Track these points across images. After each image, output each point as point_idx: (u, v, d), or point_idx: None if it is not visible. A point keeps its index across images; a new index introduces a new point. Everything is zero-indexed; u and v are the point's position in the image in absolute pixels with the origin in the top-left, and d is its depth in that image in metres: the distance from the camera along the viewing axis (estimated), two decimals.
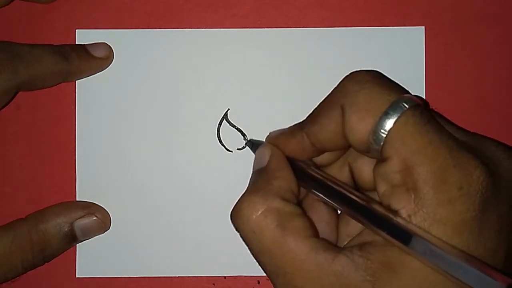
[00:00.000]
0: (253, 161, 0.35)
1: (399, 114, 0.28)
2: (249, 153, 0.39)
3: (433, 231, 0.27)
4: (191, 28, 0.41)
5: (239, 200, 0.31)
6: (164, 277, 0.40)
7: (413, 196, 0.27)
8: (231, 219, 0.31)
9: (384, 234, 0.27)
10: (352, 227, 0.33)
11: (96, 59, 0.40)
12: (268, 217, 0.30)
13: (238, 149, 0.40)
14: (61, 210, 0.39)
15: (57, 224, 0.38)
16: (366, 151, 0.30)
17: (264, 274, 0.37)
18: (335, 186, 0.31)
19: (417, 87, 0.40)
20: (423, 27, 0.40)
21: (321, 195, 0.32)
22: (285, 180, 0.32)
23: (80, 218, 0.39)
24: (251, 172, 0.34)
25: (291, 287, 0.29)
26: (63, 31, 0.40)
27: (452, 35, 0.40)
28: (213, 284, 0.40)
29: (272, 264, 0.30)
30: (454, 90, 0.40)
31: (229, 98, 0.40)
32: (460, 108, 0.40)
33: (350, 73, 0.31)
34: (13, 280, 0.38)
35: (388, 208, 0.28)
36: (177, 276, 0.40)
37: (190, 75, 0.40)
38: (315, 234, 0.30)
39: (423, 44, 0.40)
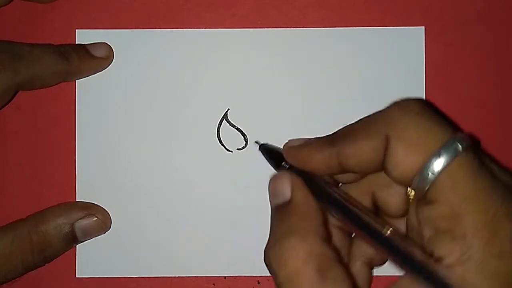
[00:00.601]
0: (268, 187, 0.32)
1: (452, 156, 0.26)
2: (249, 153, 0.39)
3: (481, 285, 0.25)
4: (191, 28, 0.41)
5: (273, 241, 0.29)
6: (164, 277, 0.40)
7: (460, 245, 0.26)
8: (265, 257, 0.29)
9: (423, 283, 0.26)
10: (366, 248, 0.32)
11: (96, 59, 0.40)
12: (309, 264, 0.27)
13: (238, 149, 0.40)
14: (61, 211, 0.39)
15: (58, 225, 0.38)
16: (407, 187, 0.28)
17: (264, 274, 0.37)
18: (366, 218, 0.29)
19: (417, 87, 0.40)
20: (423, 27, 0.40)
21: (351, 225, 0.29)
22: (316, 215, 0.29)
23: (80, 218, 0.39)
24: (270, 205, 0.31)
25: None
26: (63, 31, 0.40)
27: (452, 35, 0.40)
28: (213, 284, 0.40)
29: None
30: (454, 90, 0.40)
31: (229, 98, 0.40)
32: (460, 108, 0.40)
33: (399, 101, 0.29)
34: (13, 280, 0.38)
35: (431, 254, 0.26)
36: (177, 276, 0.40)
37: (190, 75, 0.40)
38: (353, 284, 0.28)
39: (423, 44, 0.40)
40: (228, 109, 0.40)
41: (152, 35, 0.40)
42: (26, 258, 0.37)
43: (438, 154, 0.26)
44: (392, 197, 0.31)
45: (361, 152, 0.29)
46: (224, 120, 0.40)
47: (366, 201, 0.32)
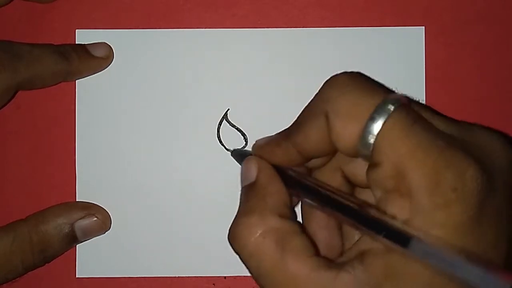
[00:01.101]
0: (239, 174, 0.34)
1: (385, 118, 0.27)
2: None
3: (432, 235, 0.26)
4: (191, 28, 0.41)
5: (234, 222, 0.30)
6: (164, 277, 0.40)
7: (408, 201, 0.26)
8: (229, 241, 0.31)
9: (382, 238, 0.27)
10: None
11: (96, 59, 0.40)
12: (267, 238, 0.29)
13: (237, 148, 0.40)
14: (61, 211, 0.39)
15: (58, 225, 0.38)
16: (355, 156, 0.29)
17: None
18: (327, 193, 0.30)
19: (417, 87, 0.40)
20: (423, 27, 0.40)
21: (314, 203, 0.31)
22: (278, 194, 0.31)
23: (80, 218, 0.39)
24: (240, 188, 0.33)
25: None
26: (63, 31, 0.40)
27: (452, 35, 0.40)
28: (213, 284, 0.40)
29: (272, 287, 0.29)
30: (454, 90, 0.40)
31: (229, 98, 0.40)
32: (460, 108, 0.40)
33: (330, 78, 0.30)
34: (13, 280, 0.38)
35: (385, 213, 0.27)
36: (177, 276, 0.40)
37: (190, 75, 0.40)
38: (316, 252, 0.29)
39: (423, 44, 0.40)
40: (228, 109, 0.40)
41: (152, 35, 0.40)
42: (26, 258, 0.37)
43: (372, 119, 0.27)
44: (357, 169, 0.32)
45: (310, 136, 0.30)
46: (224, 120, 0.40)
47: (338, 179, 0.33)
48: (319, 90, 0.30)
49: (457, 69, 0.40)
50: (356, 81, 0.29)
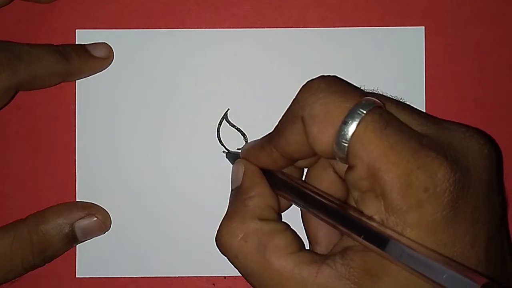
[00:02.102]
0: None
1: (357, 122, 0.27)
2: None
3: (406, 235, 0.26)
4: (191, 28, 0.41)
5: (219, 226, 0.32)
6: (164, 277, 0.40)
7: (382, 202, 0.27)
8: (216, 245, 0.32)
9: (360, 239, 0.27)
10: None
11: (96, 59, 0.40)
12: (248, 241, 0.30)
13: (238, 149, 0.40)
14: (61, 211, 0.39)
15: (58, 225, 0.38)
16: (334, 159, 0.29)
17: None
18: (311, 194, 0.31)
19: (417, 87, 0.40)
20: (423, 27, 0.40)
21: (300, 204, 0.32)
22: (260, 197, 0.32)
23: (80, 219, 0.39)
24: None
25: None
26: (63, 31, 0.40)
27: (452, 35, 0.40)
28: (213, 284, 0.40)
29: (261, 285, 0.30)
30: (454, 90, 0.40)
31: (229, 98, 0.40)
32: (460, 108, 0.40)
33: (306, 82, 0.30)
34: (13, 280, 0.38)
35: (362, 213, 0.28)
36: (177, 276, 0.40)
37: (190, 75, 0.40)
38: (298, 247, 0.30)
39: (423, 44, 0.40)
40: (228, 109, 0.40)
41: (152, 35, 0.40)
42: (26, 258, 0.37)
43: (344, 123, 0.28)
44: (345, 166, 0.32)
45: (290, 139, 0.30)
46: (224, 120, 0.40)
47: (331, 175, 0.34)
48: (296, 95, 0.31)
49: (457, 69, 0.40)
50: (331, 85, 0.29)
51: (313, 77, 0.31)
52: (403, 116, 0.29)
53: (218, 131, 0.40)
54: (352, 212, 0.28)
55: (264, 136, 0.33)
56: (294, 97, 0.31)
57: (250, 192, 0.32)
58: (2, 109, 0.39)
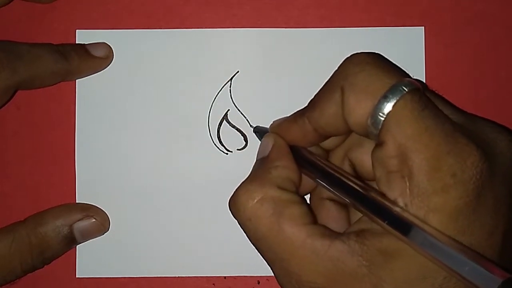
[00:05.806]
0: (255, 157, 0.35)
1: (397, 98, 0.27)
2: (249, 154, 0.39)
3: (429, 220, 0.26)
4: (191, 28, 0.41)
5: (238, 187, 0.31)
6: (164, 277, 0.40)
7: (408, 183, 0.27)
8: (229, 206, 0.32)
9: (384, 224, 0.27)
10: None
11: (96, 58, 0.40)
12: (264, 205, 0.30)
13: (238, 149, 0.40)
14: (60, 213, 0.38)
15: (56, 226, 0.38)
16: (365, 135, 0.29)
17: (264, 274, 0.37)
18: (336, 174, 0.31)
19: None
20: (423, 27, 0.40)
21: (323, 183, 0.32)
22: (284, 169, 0.32)
23: (79, 220, 0.39)
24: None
25: (288, 273, 0.29)
26: (63, 31, 0.40)
27: (452, 35, 0.40)
28: (213, 284, 0.40)
29: (269, 251, 0.30)
30: (454, 90, 0.40)
31: (229, 98, 0.40)
32: (460, 108, 0.40)
33: (351, 55, 0.31)
34: (12, 282, 0.38)
35: (384, 196, 0.28)
36: (177, 276, 0.40)
37: (190, 75, 0.40)
38: (312, 221, 0.30)
39: (423, 44, 0.40)
40: (228, 110, 0.40)
41: (152, 35, 0.40)
42: (25, 260, 0.37)
43: (385, 97, 0.28)
44: (364, 158, 0.32)
45: (325, 111, 0.30)
46: (224, 120, 0.40)
47: (346, 169, 0.34)
48: (338, 67, 0.31)
49: (457, 69, 0.40)
50: (376, 60, 0.30)
51: (348, 57, 0.31)
52: (437, 103, 0.29)
53: (218, 131, 0.40)
54: (377, 196, 0.28)
55: (297, 111, 0.33)
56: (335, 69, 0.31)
57: (276, 162, 0.32)
58: (2, 108, 0.39)
